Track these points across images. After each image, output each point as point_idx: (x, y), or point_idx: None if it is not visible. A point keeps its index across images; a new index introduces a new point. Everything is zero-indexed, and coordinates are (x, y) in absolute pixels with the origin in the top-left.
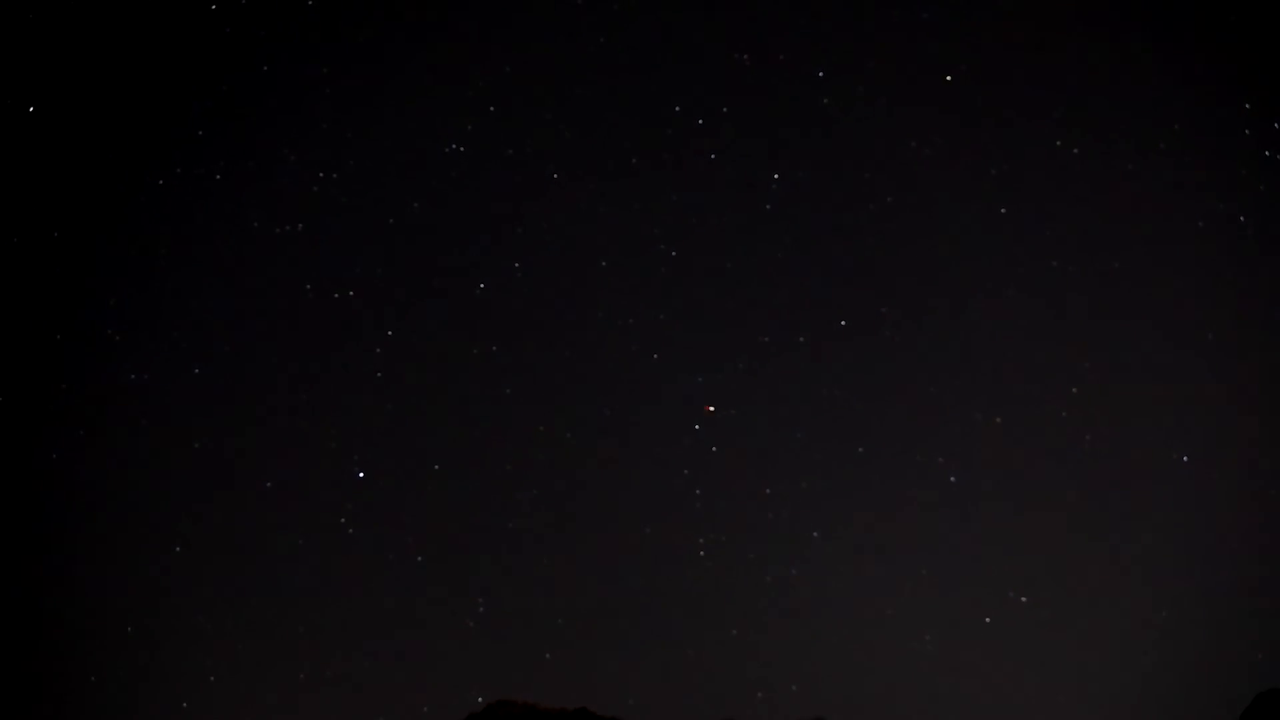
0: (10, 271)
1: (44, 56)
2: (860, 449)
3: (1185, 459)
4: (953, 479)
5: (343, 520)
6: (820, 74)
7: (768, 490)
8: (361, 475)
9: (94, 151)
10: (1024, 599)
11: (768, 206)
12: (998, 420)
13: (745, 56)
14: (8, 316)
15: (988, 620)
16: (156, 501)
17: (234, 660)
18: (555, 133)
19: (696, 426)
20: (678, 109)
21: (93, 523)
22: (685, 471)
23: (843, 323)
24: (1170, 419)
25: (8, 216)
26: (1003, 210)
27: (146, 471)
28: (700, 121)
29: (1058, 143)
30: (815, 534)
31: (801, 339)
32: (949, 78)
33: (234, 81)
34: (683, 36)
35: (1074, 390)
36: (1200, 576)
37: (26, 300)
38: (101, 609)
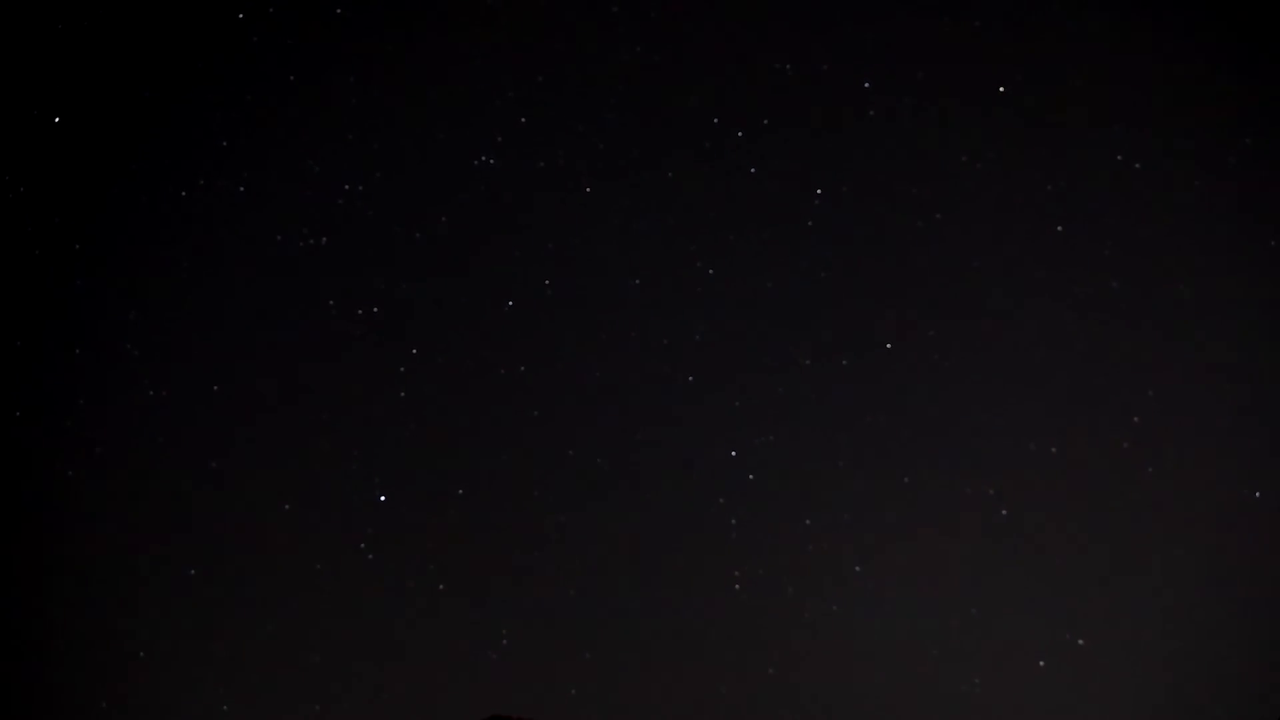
0: (28, 283)
1: (66, 66)
2: (905, 479)
3: (1257, 494)
4: (1004, 512)
5: (363, 545)
6: (866, 84)
7: (807, 521)
8: (383, 499)
9: (115, 162)
10: (1080, 641)
11: (810, 223)
12: (1053, 450)
13: (787, 66)
14: (24, 329)
15: (1041, 664)
16: (171, 522)
17: (247, 688)
18: (588, 145)
19: (733, 453)
20: (716, 120)
21: (105, 542)
22: (720, 500)
23: (888, 345)
24: (1241, 452)
25: (26, 228)
26: (1059, 228)
27: (162, 490)
28: (739, 134)
29: (1119, 157)
30: (857, 568)
31: (845, 362)
32: (1002, 88)
33: (258, 91)
34: (721, 45)
35: (1135, 420)
36: (1274, 621)
37: (44, 313)
38: (113, 632)
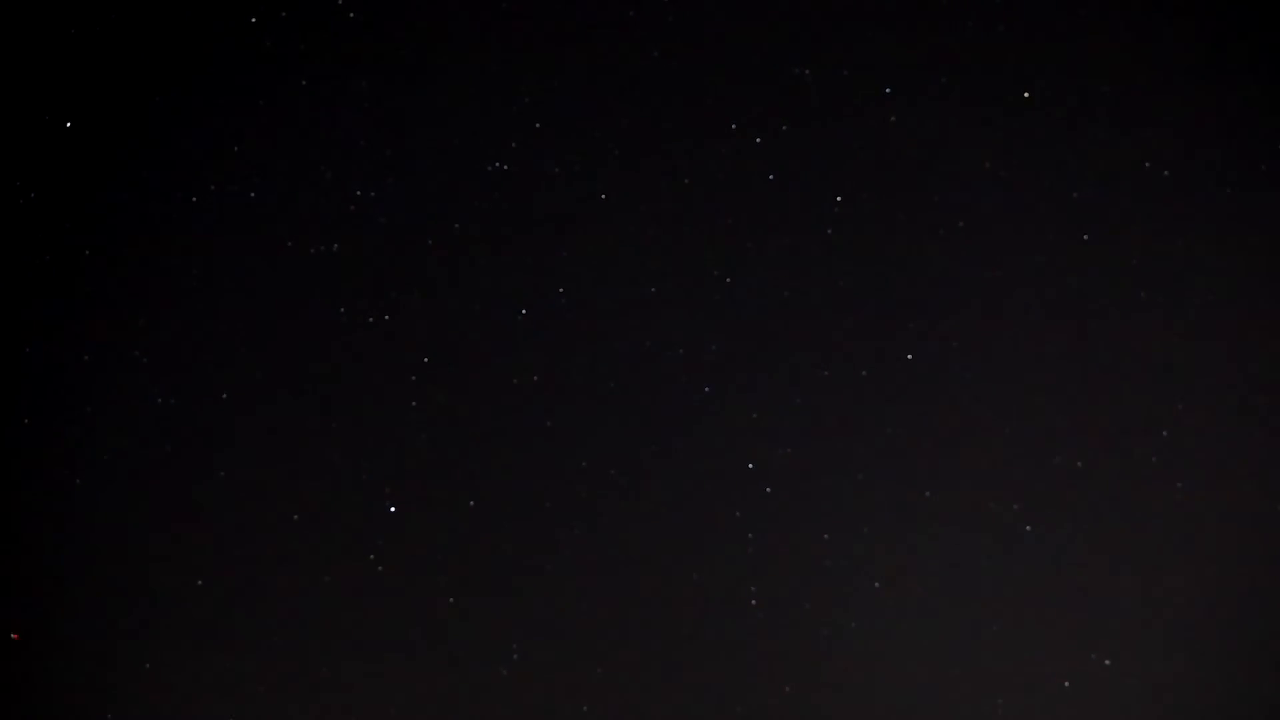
0: (36, 289)
1: (76, 71)
2: (927, 492)
3: None
4: (1028, 528)
5: (372, 557)
6: (887, 90)
7: (826, 536)
8: (393, 510)
9: (125, 167)
10: (1107, 661)
11: (829, 230)
12: (1078, 465)
13: (806, 71)
14: (31, 335)
15: (1065, 684)
16: (179, 531)
17: (254, 700)
18: (603, 150)
19: (750, 465)
20: (734, 126)
21: (112, 551)
22: (737, 514)
23: (909, 356)
24: (1274, 467)
25: (35, 233)
26: (1085, 237)
27: (169, 499)
28: (757, 140)
29: (1146, 164)
30: (876, 584)
31: (864, 373)
32: (1027, 94)
33: (270, 95)
34: (739, 49)
35: (1164, 433)
36: None
37: (51, 319)
38: (118, 642)
